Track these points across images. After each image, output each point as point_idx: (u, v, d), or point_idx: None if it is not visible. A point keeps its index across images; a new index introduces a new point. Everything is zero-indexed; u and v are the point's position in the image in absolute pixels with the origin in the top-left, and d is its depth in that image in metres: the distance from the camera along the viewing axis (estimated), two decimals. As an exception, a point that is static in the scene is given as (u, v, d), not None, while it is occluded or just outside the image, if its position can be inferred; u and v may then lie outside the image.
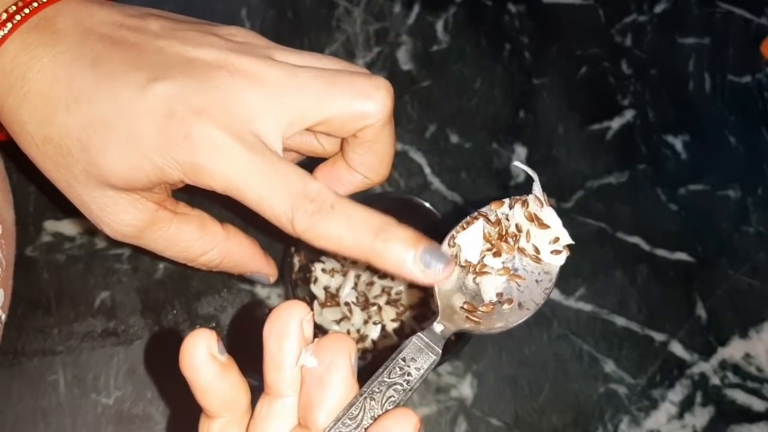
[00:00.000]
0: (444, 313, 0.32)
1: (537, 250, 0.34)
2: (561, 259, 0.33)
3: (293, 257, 0.50)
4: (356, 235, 0.31)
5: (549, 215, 0.33)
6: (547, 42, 0.65)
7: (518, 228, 0.34)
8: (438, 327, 0.31)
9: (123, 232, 0.35)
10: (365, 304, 0.51)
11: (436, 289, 0.32)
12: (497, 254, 0.33)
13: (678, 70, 0.65)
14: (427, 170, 0.59)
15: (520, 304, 0.33)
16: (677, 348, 0.55)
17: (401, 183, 0.58)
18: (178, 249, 0.36)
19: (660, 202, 0.60)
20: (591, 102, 0.63)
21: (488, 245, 0.34)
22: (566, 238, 0.33)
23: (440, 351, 0.30)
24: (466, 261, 0.33)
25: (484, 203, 0.34)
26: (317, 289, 0.52)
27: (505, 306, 0.33)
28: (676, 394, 0.54)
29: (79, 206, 0.34)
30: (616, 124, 0.62)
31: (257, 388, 0.30)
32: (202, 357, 0.28)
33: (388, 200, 0.54)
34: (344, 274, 0.52)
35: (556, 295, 0.56)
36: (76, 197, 0.34)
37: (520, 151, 0.60)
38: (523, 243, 0.34)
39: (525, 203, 0.34)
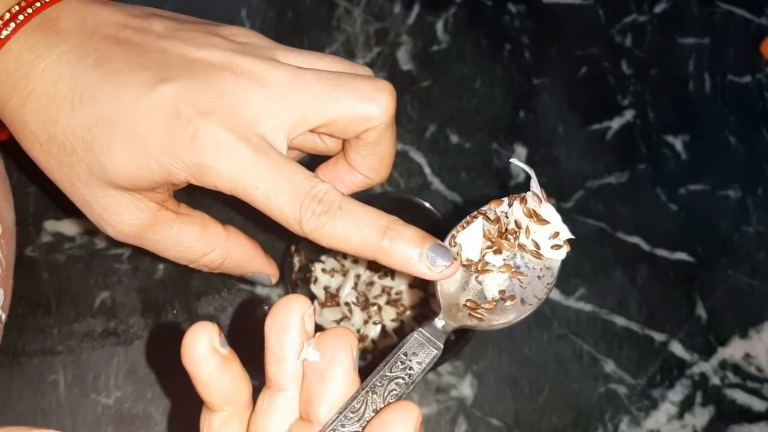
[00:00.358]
0: (447, 311, 0.32)
1: (537, 246, 0.34)
2: (562, 254, 0.34)
3: (293, 257, 0.50)
4: (364, 235, 0.31)
5: (548, 211, 0.34)
6: (547, 42, 0.65)
7: (517, 225, 0.34)
8: (440, 322, 0.31)
9: (125, 232, 0.35)
10: (365, 304, 0.51)
11: (438, 287, 0.33)
12: (498, 251, 0.34)
13: (678, 70, 0.65)
14: (427, 170, 0.59)
15: (522, 300, 0.33)
16: (677, 348, 0.55)
17: (401, 183, 0.58)
18: (179, 250, 0.36)
19: (660, 202, 0.60)
20: (591, 102, 0.63)
21: (488, 243, 0.34)
22: (566, 233, 0.34)
23: (442, 345, 0.30)
24: (467, 260, 0.34)
25: (484, 203, 0.35)
26: (317, 289, 0.52)
27: (508, 302, 0.33)
28: (676, 394, 0.54)
29: (81, 206, 0.35)
30: (616, 124, 0.62)
31: (258, 389, 0.30)
32: (204, 350, 0.28)
33: (388, 200, 0.54)
34: (344, 274, 0.52)
35: (556, 295, 0.56)
36: (79, 197, 0.34)
37: (520, 151, 0.60)
38: (523, 239, 0.34)
39: (523, 200, 0.34)
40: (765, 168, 0.62)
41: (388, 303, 0.52)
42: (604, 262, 0.57)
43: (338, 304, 0.51)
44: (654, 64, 0.65)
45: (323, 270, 0.52)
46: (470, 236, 0.34)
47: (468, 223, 0.34)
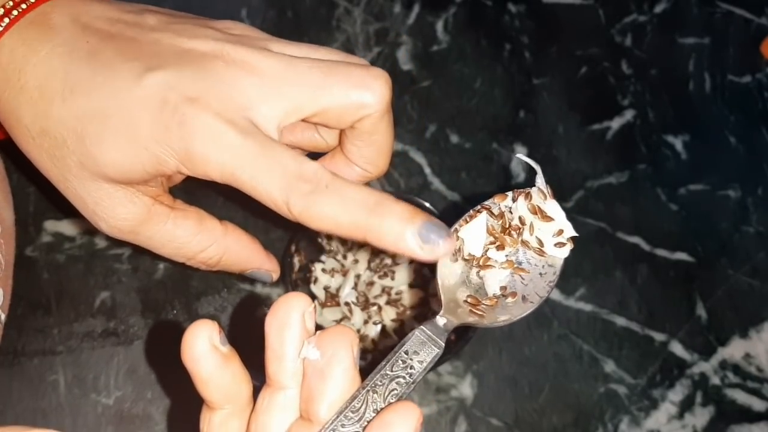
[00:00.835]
0: (448, 307, 0.31)
1: (541, 243, 0.33)
2: (565, 252, 0.33)
3: (293, 257, 0.50)
4: (351, 213, 0.30)
5: (552, 208, 0.33)
6: (547, 42, 0.65)
7: (521, 221, 0.33)
8: (441, 320, 0.31)
9: (119, 227, 0.34)
10: (365, 304, 0.51)
11: (439, 282, 0.32)
12: (501, 247, 0.33)
13: (678, 70, 0.65)
14: (427, 170, 0.59)
15: (524, 297, 0.33)
16: (677, 348, 0.55)
17: (401, 183, 0.58)
18: (175, 246, 0.36)
19: (660, 202, 0.60)
20: (591, 102, 0.63)
21: (491, 238, 0.33)
22: (570, 231, 0.33)
23: (443, 344, 0.30)
24: (469, 254, 0.33)
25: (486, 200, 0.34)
26: (317, 289, 0.52)
27: (509, 299, 0.32)
28: (676, 394, 0.54)
29: (74, 201, 0.34)
30: (616, 124, 0.62)
31: (259, 389, 0.30)
32: (204, 348, 0.27)
33: (388, 200, 0.54)
34: (344, 274, 0.52)
35: (556, 295, 0.56)
36: (72, 192, 0.34)
37: (520, 151, 0.60)
38: (526, 236, 0.33)
39: (528, 196, 0.33)
40: (765, 168, 0.62)
41: (388, 303, 0.52)
42: (604, 262, 0.57)
43: (338, 304, 0.51)
44: (654, 64, 0.65)
45: (323, 270, 0.52)
46: (473, 231, 0.33)
47: (471, 217, 0.33)
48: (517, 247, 0.33)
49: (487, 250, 0.33)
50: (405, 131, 0.60)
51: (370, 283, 0.52)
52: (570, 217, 0.34)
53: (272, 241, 0.53)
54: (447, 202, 0.58)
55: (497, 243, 0.33)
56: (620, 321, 0.55)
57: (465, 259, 0.33)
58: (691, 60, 0.65)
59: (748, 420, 0.53)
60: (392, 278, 0.52)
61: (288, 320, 0.28)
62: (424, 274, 0.52)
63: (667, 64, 0.65)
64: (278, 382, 0.29)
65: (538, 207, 0.33)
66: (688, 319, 0.56)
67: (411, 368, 0.29)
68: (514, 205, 0.34)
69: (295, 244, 0.50)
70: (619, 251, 0.58)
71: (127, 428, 0.49)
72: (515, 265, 0.33)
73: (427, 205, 0.50)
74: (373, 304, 0.51)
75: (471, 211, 0.33)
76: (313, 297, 0.52)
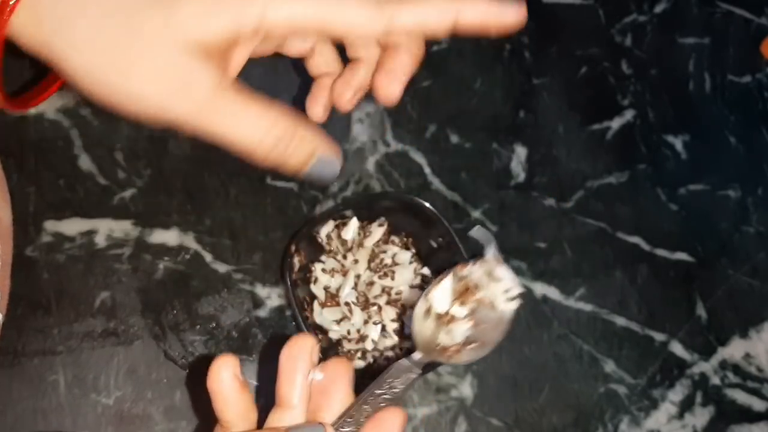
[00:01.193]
0: (424, 349, 0.40)
1: (493, 300, 0.42)
2: (513, 306, 0.42)
3: (293, 257, 0.50)
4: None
5: (502, 271, 0.42)
6: (547, 42, 0.65)
7: (478, 282, 0.42)
8: (417, 355, 0.40)
9: (192, 99, 0.34)
10: (365, 304, 0.51)
11: (415, 333, 0.41)
12: (462, 304, 0.42)
13: (678, 70, 0.65)
14: (427, 170, 0.59)
15: (483, 343, 0.42)
16: (677, 348, 0.55)
17: (401, 183, 0.58)
18: (244, 126, 0.35)
19: (660, 202, 0.60)
20: (591, 102, 0.63)
21: (455, 296, 0.42)
22: (516, 289, 0.42)
23: (420, 371, 0.39)
24: (437, 313, 0.41)
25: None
26: (317, 289, 0.52)
27: (471, 345, 0.41)
28: (676, 394, 0.54)
29: (143, 84, 0.34)
30: (616, 124, 0.62)
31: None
32: (228, 376, 0.35)
33: (388, 200, 0.54)
34: (344, 274, 0.52)
35: (556, 295, 0.56)
36: (142, 72, 0.34)
37: (520, 151, 0.60)
38: (482, 295, 0.42)
39: (483, 263, 0.42)
40: (765, 168, 0.62)
41: (388, 303, 0.52)
42: (604, 262, 0.57)
43: (338, 304, 0.51)
44: (654, 64, 0.65)
45: (323, 270, 0.52)
46: (440, 292, 0.42)
47: (439, 281, 0.42)
48: (476, 304, 0.42)
49: (452, 308, 0.42)
50: (405, 131, 0.60)
51: (370, 283, 0.52)
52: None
53: (272, 241, 0.53)
54: (447, 202, 0.58)
55: (460, 300, 0.42)
56: (620, 321, 0.55)
57: (436, 315, 0.42)
58: (691, 60, 0.65)
59: (748, 420, 0.54)
60: (392, 278, 0.52)
61: (300, 355, 0.35)
62: (424, 274, 0.52)
63: (667, 64, 0.65)
64: (288, 401, 0.35)
65: (490, 272, 0.42)
66: (688, 319, 0.56)
67: (394, 388, 0.37)
68: (472, 270, 0.42)
69: (295, 244, 0.50)
70: (619, 251, 0.58)
71: (127, 428, 0.49)
72: (474, 319, 0.42)
73: (427, 205, 0.50)
74: (373, 304, 0.51)
75: (440, 276, 0.42)
76: (313, 297, 0.52)
